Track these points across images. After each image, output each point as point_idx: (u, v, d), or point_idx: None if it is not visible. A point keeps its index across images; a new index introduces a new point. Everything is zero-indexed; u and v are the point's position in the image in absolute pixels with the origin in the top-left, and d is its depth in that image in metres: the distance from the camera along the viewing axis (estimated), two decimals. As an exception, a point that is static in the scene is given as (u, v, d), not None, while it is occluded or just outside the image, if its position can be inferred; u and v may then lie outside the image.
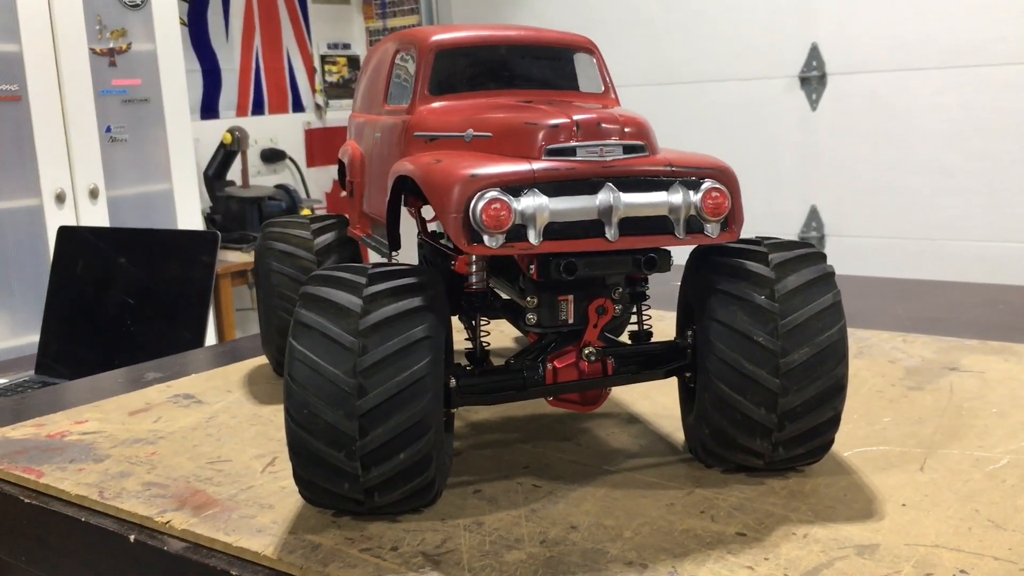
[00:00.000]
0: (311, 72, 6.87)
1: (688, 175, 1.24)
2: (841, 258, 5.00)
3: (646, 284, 1.43)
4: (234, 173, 6.04)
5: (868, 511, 1.23)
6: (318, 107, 6.91)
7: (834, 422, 1.30)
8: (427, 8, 6.51)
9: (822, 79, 5.00)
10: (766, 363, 1.24)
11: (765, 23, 5.12)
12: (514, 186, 1.18)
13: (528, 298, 1.30)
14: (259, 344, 2.13)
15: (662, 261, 1.25)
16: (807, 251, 1.32)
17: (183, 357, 2.20)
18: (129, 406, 1.78)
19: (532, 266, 1.24)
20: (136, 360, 2.24)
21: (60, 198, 4.73)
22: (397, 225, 1.49)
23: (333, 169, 6.28)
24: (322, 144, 6.92)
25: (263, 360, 2.06)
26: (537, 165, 1.20)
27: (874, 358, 1.90)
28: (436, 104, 1.48)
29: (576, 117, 1.23)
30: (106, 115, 4.91)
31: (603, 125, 1.23)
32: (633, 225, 1.21)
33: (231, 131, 5.81)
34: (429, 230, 1.56)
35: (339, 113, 6.97)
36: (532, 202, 1.18)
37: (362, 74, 1.90)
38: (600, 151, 1.22)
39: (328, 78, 6.94)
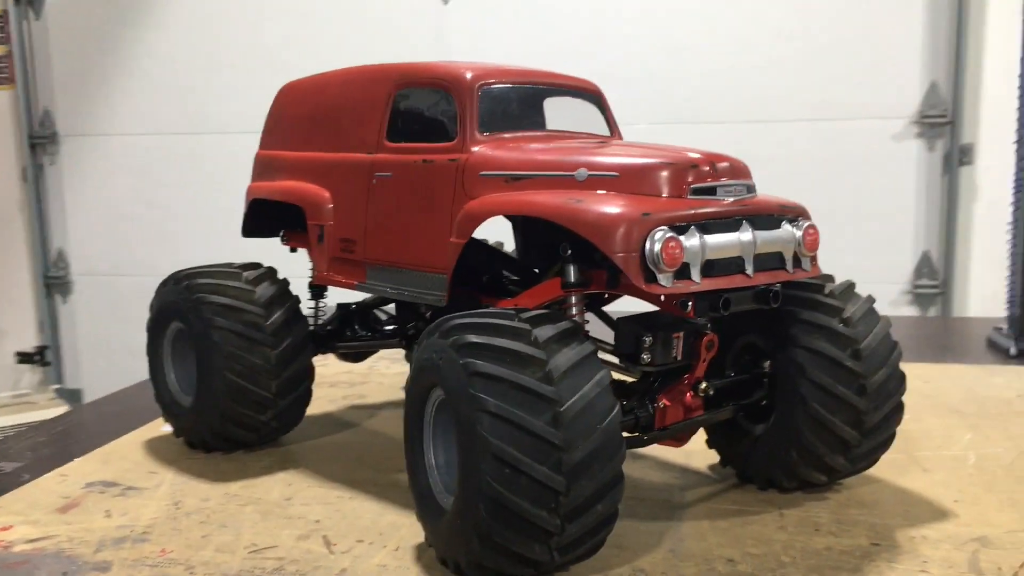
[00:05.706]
0: None
1: (793, 214, 1.32)
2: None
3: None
4: None
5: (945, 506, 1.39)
6: None
7: (893, 437, 1.44)
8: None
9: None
10: (853, 384, 1.35)
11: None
12: (680, 225, 1.19)
13: (644, 337, 1.29)
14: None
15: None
16: (846, 282, 1.46)
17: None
18: (45, 503, 1.44)
19: (690, 304, 1.24)
20: None
21: None
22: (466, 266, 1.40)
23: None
24: None
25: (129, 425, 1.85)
26: (695, 207, 1.22)
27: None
28: (493, 142, 1.41)
29: (699, 156, 1.27)
30: None
31: (727, 165, 1.28)
32: (762, 261, 1.27)
33: None
34: None
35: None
36: (697, 241, 1.19)
37: (296, 112, 1.70)
38: (734, 190, 1.27)
39: None
